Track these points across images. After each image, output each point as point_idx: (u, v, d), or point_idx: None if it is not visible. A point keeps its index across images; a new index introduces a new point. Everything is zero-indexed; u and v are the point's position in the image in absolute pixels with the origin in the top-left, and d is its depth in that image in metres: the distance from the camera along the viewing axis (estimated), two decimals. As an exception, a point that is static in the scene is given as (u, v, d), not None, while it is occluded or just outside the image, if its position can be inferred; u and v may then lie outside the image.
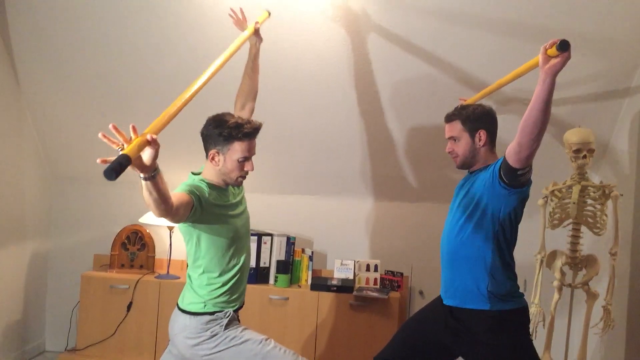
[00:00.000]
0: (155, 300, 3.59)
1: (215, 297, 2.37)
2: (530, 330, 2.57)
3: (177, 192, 2.15)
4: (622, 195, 2.96)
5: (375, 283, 3.75)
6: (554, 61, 1.90)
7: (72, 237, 4.04)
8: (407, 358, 2.50)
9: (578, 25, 2.96)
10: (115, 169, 1.61)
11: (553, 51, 1.88)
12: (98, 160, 1.67)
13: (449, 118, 2.47)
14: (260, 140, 2.40)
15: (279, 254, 3.74)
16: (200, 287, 2.38)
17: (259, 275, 3.71)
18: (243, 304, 2.51)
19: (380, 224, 3.92)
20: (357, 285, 3.69)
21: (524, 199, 2.29)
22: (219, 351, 2.33)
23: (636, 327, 3.16)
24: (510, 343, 2.31)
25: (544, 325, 3.00)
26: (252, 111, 2.72)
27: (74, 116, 3.65)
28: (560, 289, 3.03)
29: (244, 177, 2.39)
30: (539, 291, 3.01)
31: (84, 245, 4.02)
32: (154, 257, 3.87)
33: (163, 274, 3.72)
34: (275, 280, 3.69)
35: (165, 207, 1.95)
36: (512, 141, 2.07)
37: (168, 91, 3.41)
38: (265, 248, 3.72)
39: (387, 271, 3.77)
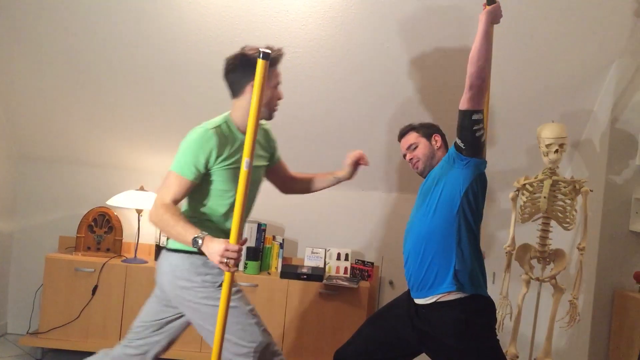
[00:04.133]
0: (121, 284, 3.53)
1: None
2: (497, 323, 2.58)
3: (181, 177, 2.19)
4: (592, 191, 2.98)
5: (345, 272, 3.74)
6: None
7: (37, 217, 3.94)
8: (369, 353, 2.49)
9: (555, 19, 2.97)
10: None
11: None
12: None
13: (402, 133, 2.64)
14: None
15: (250, 240, 3.70)
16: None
17: (229, 261, 3.66)
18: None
19: (352, 214, 3.90)
20: (327, 274, 3.68)
21: (480, 175, 2.35)
22: (205, 304, 2.23)
23: (601, 322, 3.21)
24: (476, 348, 2.29)
25: (510, 318, 3.02)
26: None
27: (43, 94, 3.54)
28: (528, 283, 3.05)
29: (275, 110, 2.34)
30: (507, 284, 3.03)
31: (49, 227, 3.92)
32: (121, 240, 3.79)
33: (130, 258, 3.66)
34: (245, 267, 3.65)
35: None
36: None
37: (143, 67, 3.36)
38: (235, 234, 3.67)
39: (358, 260, 3.76)
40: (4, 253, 3.88)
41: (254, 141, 2.01)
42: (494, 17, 2.30)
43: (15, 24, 3.20)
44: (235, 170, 2.22)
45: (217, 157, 2.22)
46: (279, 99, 2.33)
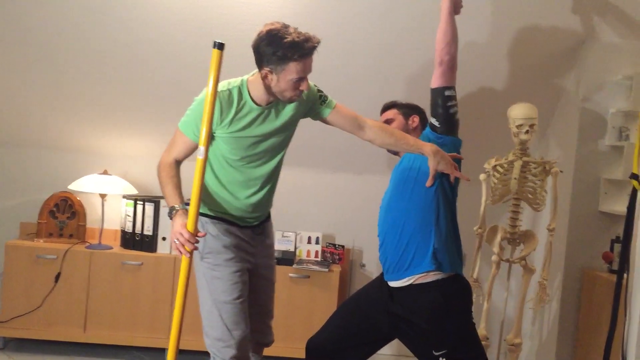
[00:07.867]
0: (85, 271, 3.43)
1: (211, 199, 2.28)
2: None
3: (184, 135, 2.16)
4: (562, 171, 2.99)
5: (316, 256, 3.70)
6: None
7: (-4, 203, 3.82)
8: (342, 341, 2.45)
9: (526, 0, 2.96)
10: None
11: None
12: None
13: (385, 108, 2.61)
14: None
15: (218, 224, 3.62)
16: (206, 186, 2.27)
17: (197, 246, 3.58)
18: (252, 225, 2.44)
19: (322, 196, 3.86)
20: (297, 258, 3.64)
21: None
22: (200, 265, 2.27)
23: (570, 302, 3.24)
24: (453, 331, 2.27)
25: (480, 299, 3.03)
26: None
27: (1, 76, 3.40)
28: (498, 264, 3.06)
29: (299, 96, 2.17)
30: (477, 266, 3.03)
31: (9, 213, 3.79)
32: (84, 226, 3.68)
33: (94, 244, 3.55)
34: (214, 252, 3.58)
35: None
36: None
37: (104, 48, 3.24)
38: (203, 218, 3.59)
39: (329, 244, 3.72)
40: (-38, 240, 3.74)
41: (209, 134, 2.00)
42: (455, 6, 2.40)
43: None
44: (245, 140, 2.19)
45: (221, 120, 2.14)
46: (300, 89, 2.14)
